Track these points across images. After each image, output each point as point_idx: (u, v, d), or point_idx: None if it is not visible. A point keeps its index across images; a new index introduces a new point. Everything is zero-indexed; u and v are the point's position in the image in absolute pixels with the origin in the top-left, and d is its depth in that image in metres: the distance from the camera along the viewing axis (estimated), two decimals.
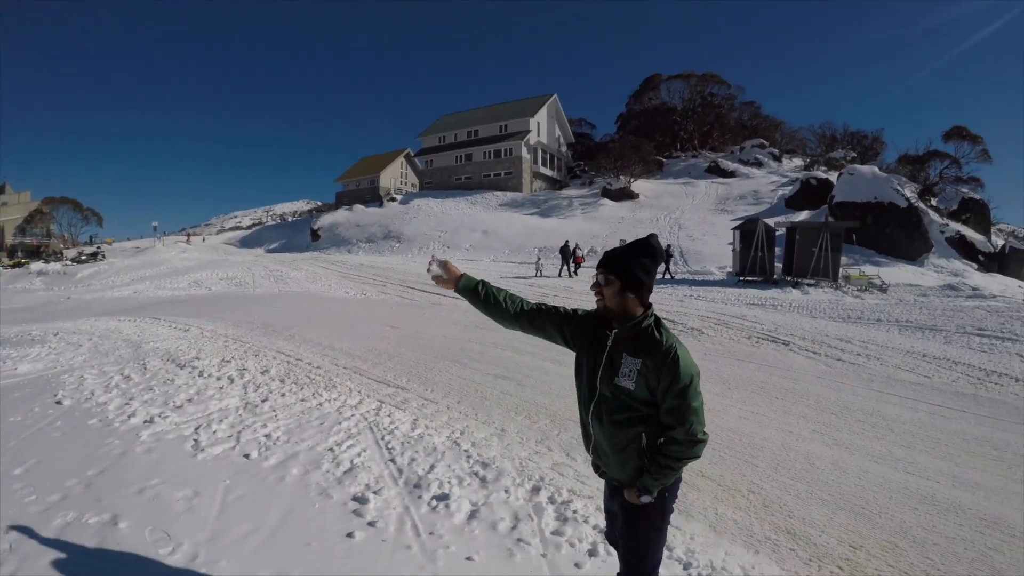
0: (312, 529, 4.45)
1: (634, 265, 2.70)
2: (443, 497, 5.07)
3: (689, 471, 6.00)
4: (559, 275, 29.22)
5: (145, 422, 6.88)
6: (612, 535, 3.20)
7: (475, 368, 10.50)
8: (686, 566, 4.19)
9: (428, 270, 3.16)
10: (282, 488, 5.21)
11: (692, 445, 2.62)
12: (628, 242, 2.90)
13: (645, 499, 2.70)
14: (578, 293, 21.71)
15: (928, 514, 5.25)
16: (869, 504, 5.42)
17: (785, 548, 4.62)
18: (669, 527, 4.61)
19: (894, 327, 14.66)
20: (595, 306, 2.89)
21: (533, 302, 3.19)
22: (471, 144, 66.79)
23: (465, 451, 6.35)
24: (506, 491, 5.29)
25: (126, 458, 5.77)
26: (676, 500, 2.95)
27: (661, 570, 3.60)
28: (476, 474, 5.69)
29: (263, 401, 7.99)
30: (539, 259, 31.26)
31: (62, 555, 3.96)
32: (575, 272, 29.65)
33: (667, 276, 27.02)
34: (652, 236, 2.87)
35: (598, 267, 2.77)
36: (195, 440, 6.31)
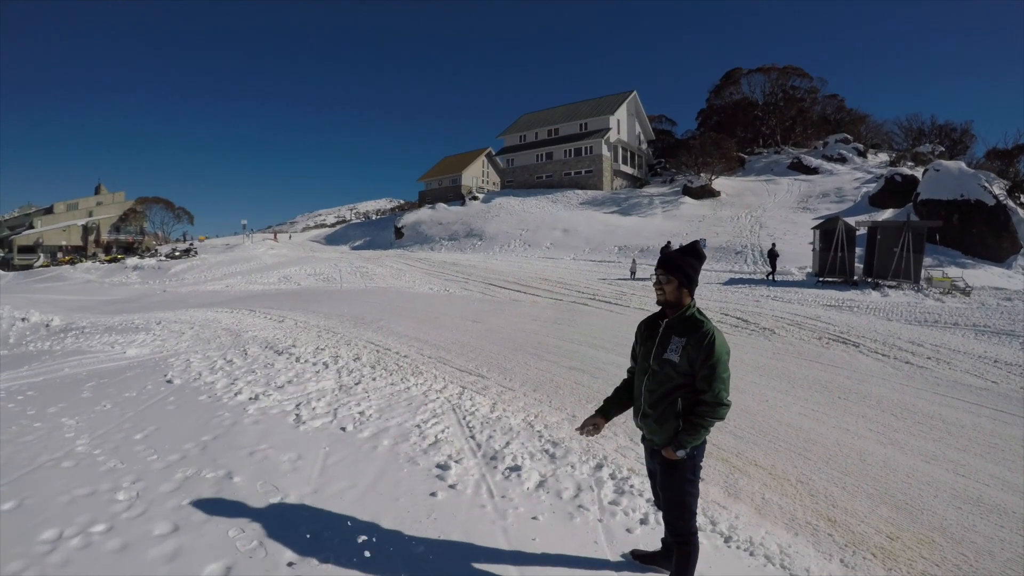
0: (400, 488, 5.12)
1: (687, 267, 3.48)
2: (515, 468, 5.67)
3: (742, 459, 6.44)
4: None
5: (251, 399, 7.68)
6: (657, 496, 3.90)
7: (551, 361, 11.01)
8: (727, 540, 4.63)
9: (584, 433, 3.98)
10: (375, 455, 5.90)
11: (717, 407, 3.35)
12: (682, 246, 3.68)
13: (680, 454, 3.42)
14: None
15: (971, 514, 5.44)
16: (913, 500, 5.66)
17: (824, 533, 4.98)
18: (718, 505, 5.15)
19: (970, 332, 14.50)
20: (656, 299, 3.62)
21: (627, 369, 4.04)
22: (551, 143, 66.97)
23: (538, 432, 6.91)
24: (572, 466, 5.84)
25: (236, 427, 6.55)
26: (703, 459, 3.68)
27: (703, 540, 4.16)
28: (546, 451, 6.25)
29: (356, 384, 8.71)
30: (634, 261, 30.63)
31: (184, 500, 4.69)
32: None
33: (771, 277, 26.28)
34: (698, 241, 3.65)
35: (658, 268, 3.55)
36: (297, 415, 7.07)
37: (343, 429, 6.65)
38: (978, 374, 10.62)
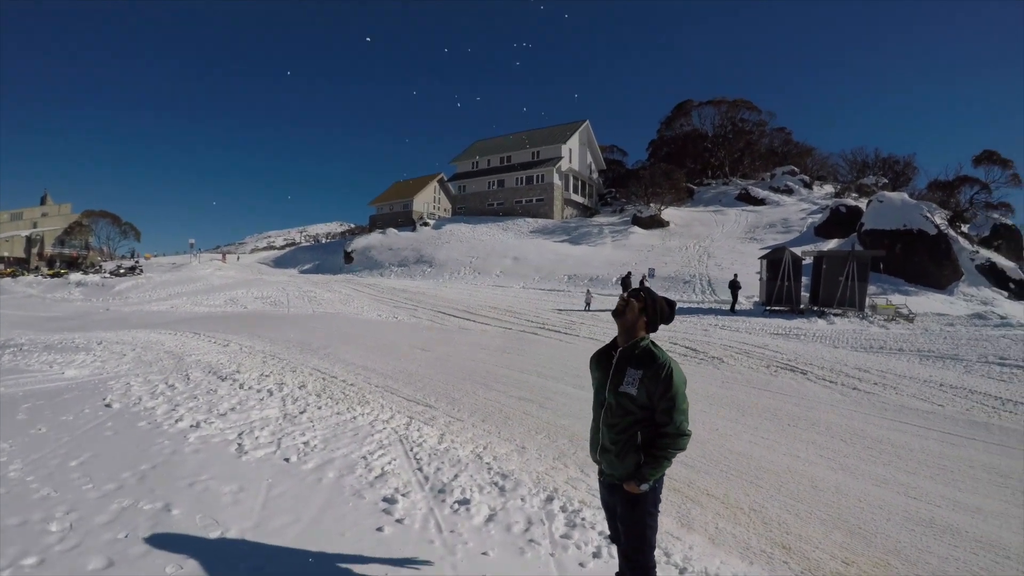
0: (346, 523, 4.93)
1: (658, 303, 3.54)
2: (464, 502, 5.53)
3: (695, 489, 6.40)
4: None
5: (192, 426, 7.42)
6: (614, 531, 3.76)
7: (500, 390, 10.93)
8: (682, 571, 4.57)
9: None
10: (319, 488, 5.70)
11: (679, 438, 3.36)
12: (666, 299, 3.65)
13: (644, 487, 3.38)
14: None
15: (924, 535, 5.51)
16: (866, 524, 5.71)
17: (779, 561, 4.96)
18: (671, 537, 5.07)
19: (915, 357, 14.82)
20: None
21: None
22: (504, 170, 67.38)
23: (487, 464, 6.79)
24: (522, 499, 5.73)
25: (176, 456, 6.30)
26: (662, 490, 3.63)
27: (657, 573, 4.07)
28: (496, 484, 6.12)
29: (301, 413, 8.48)
30: (588, 291, 29.27)
31: (120, 533, 4.46)
32: None
33: (735, 307, 25.80)
34: (674, 304, 3.66)
35: (633, 291, 3.58)
36: (239, 444, 6.84)
37: (287, 460, 6.43)
38: (924, 398, 10.83)
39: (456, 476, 6.25)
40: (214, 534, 4.57)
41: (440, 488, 5.88)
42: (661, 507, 3.57)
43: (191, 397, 9.00)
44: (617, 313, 3.54)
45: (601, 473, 3.69)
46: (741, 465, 7.26)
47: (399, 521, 5.03)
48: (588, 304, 27.51)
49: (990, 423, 9.34)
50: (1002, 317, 22.46)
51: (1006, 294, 30.95)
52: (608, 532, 3.94)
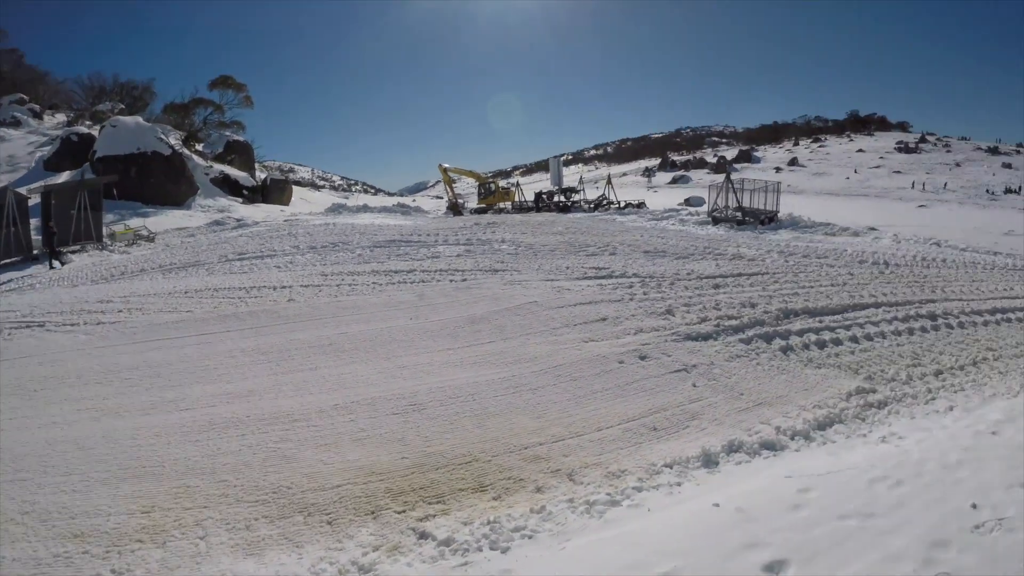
0: None
1: None
2: None
3: None
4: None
5: None
6: None
7: None
8: None
9: None
10: None
11: None
12: None
13: None
14: None
15: (209, 440, 5.47)
16: (150, 459, 5.34)
17: (77, 554, 4.14)
18: None
19: (158, 273, 15.02)
20: None
21: None
22: None
23: None
24: None
25: None
26: None
27: None
28: None
29: None
30: None
31: None
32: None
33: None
34: None
35: None
36: None
37: None
38: (172, 309, 11.01)
39: None
40: None
41: None
42: None
43: None
44: None
45: None
46: None
47: None
48: None
49: (239, 312, 10.06)
50: (238, 220, 24.82)
51: (240, 200, 34.94)
52: None
